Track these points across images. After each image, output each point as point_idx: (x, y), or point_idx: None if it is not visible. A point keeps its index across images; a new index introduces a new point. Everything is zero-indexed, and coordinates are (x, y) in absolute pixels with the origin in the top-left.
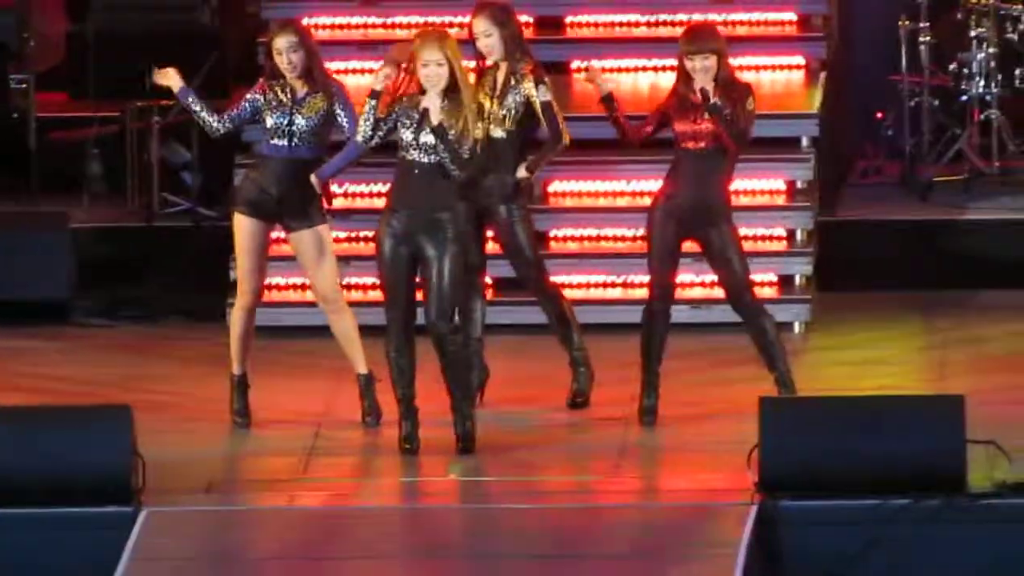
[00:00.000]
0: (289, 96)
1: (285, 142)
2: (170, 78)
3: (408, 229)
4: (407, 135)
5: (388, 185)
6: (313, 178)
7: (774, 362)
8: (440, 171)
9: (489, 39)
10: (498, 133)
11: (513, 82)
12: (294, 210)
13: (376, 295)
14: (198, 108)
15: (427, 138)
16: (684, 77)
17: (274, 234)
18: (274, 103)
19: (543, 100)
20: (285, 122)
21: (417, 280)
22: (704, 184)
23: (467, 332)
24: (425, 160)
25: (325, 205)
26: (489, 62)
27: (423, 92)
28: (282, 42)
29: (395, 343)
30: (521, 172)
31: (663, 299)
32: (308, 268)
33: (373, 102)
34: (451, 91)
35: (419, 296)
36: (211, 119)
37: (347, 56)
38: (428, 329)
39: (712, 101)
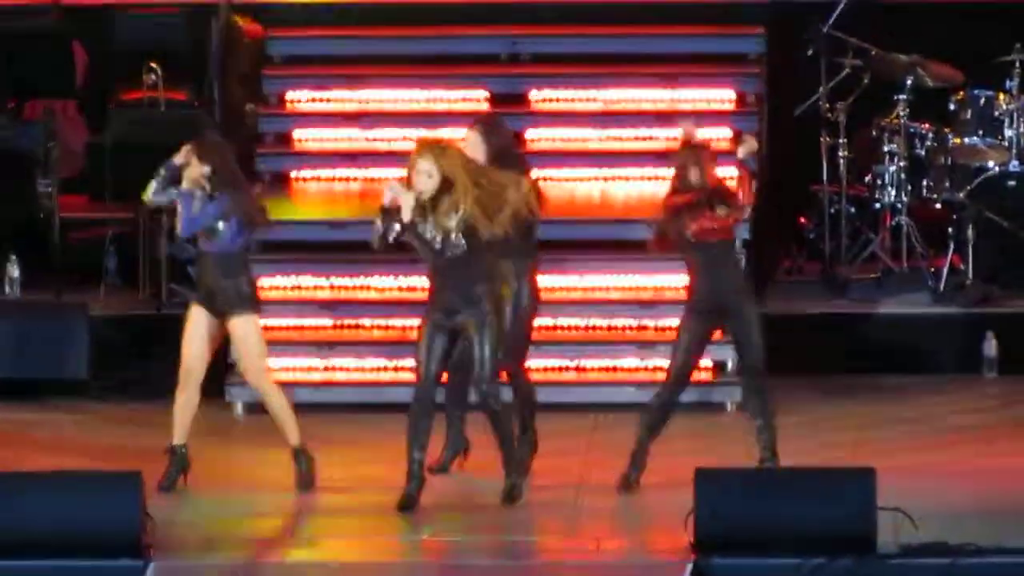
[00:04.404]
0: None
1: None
2: None
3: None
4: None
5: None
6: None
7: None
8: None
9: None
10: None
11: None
12: (224, 300)
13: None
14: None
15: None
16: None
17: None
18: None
19: None
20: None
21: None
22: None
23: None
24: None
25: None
26: None
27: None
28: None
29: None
30: None
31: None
32: (237, 352)
33: (383, 218)
34: (443, 193)
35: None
36: None
37: (335, 165)
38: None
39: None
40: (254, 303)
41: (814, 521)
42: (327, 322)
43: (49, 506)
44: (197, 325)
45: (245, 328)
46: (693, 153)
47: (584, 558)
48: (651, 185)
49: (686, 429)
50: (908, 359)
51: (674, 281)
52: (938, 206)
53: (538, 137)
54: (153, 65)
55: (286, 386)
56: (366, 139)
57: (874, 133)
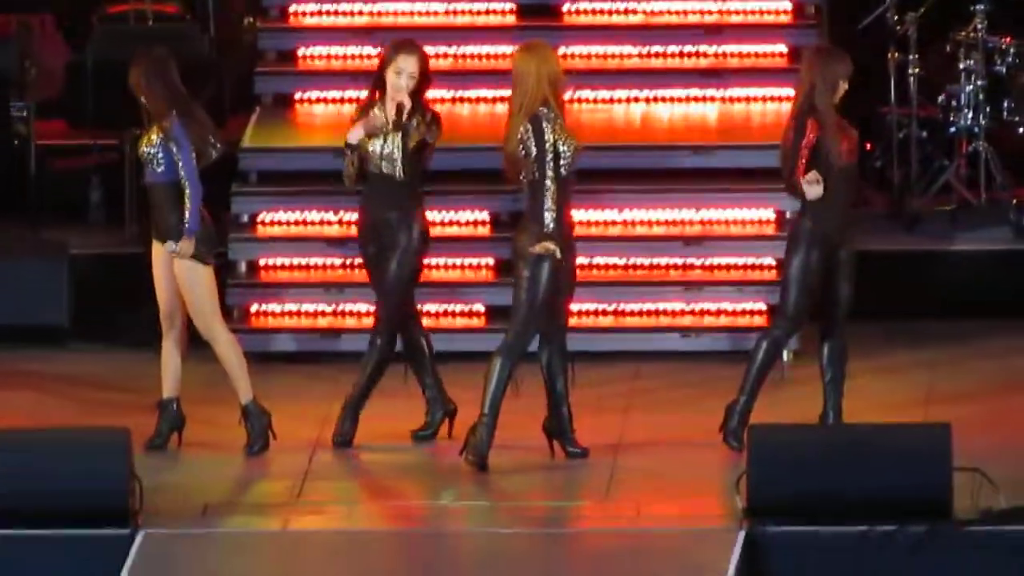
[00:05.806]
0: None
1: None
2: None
3: None
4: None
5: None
6: (183, 244)
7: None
8: None
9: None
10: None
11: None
12: (167, 237)
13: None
14: None
15: None
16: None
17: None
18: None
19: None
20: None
21: None
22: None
23: None
24: None
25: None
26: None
27: None
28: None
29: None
30: None
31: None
32: (183, 293)
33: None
34: None
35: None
36: None
37: (343, 86)
38: None
39: None
40: (200, 243)
41: (882, 484)
42: (336, 261)
43: (24, 468)
44: (159, 264)
45: (189, 271)
46: (841, 64)
47: (623, 525)
48: (698, 107)
49: (736, 381)
50: (986, 302)
51: (724, 215)
52: (1020, 130)
53: (571, 54)
54: None
55: (290, 332)
56: (379, 56)
57: (948, 48)
